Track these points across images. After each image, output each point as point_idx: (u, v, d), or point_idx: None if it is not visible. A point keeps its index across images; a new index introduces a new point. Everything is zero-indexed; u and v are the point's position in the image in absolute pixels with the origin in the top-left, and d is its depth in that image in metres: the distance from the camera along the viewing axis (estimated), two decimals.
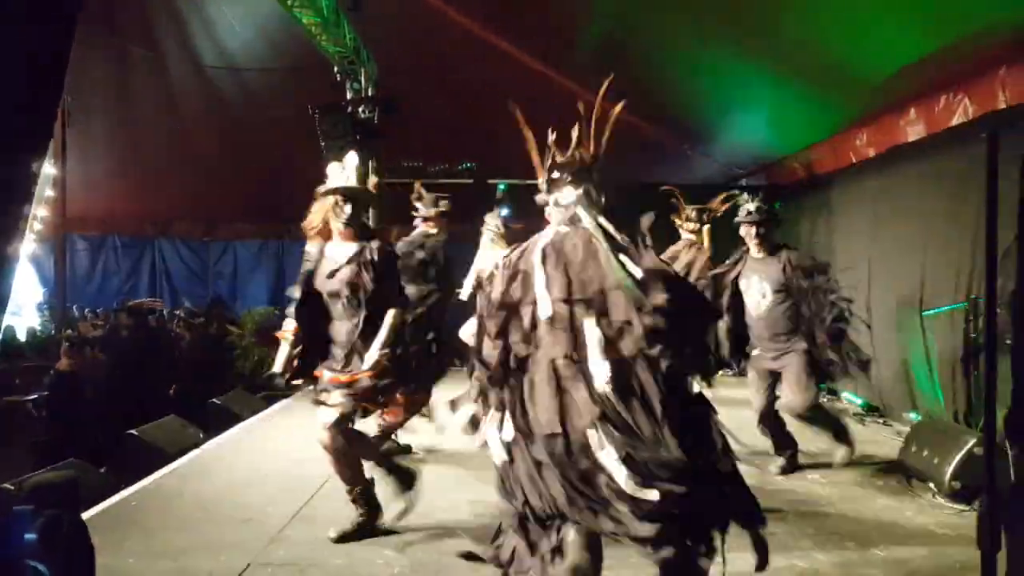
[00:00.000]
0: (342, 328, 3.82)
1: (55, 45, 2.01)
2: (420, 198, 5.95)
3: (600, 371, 2.35)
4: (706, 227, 7.06)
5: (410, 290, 4.78)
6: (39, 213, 13.60)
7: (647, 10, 7.72)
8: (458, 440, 5.54)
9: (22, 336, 11.90)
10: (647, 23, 7.93)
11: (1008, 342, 2.55)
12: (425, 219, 5.85)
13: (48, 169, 11.21)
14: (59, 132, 10.39)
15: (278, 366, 4.03)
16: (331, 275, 3.84)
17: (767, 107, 8.80)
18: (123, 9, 11.30)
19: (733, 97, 8.93)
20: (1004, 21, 4.95)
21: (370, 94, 10.38)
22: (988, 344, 1.86)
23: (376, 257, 3.85)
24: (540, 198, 2.71)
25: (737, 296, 5.17)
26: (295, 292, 3.89)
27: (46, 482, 2.36)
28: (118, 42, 11.60)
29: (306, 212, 4.10)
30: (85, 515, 3.99)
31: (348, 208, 3.88)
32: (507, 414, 2.49)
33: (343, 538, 3.80)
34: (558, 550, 2.45)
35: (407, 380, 4.04)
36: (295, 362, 3.91)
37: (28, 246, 14.76)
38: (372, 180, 4.85)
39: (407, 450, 5.49)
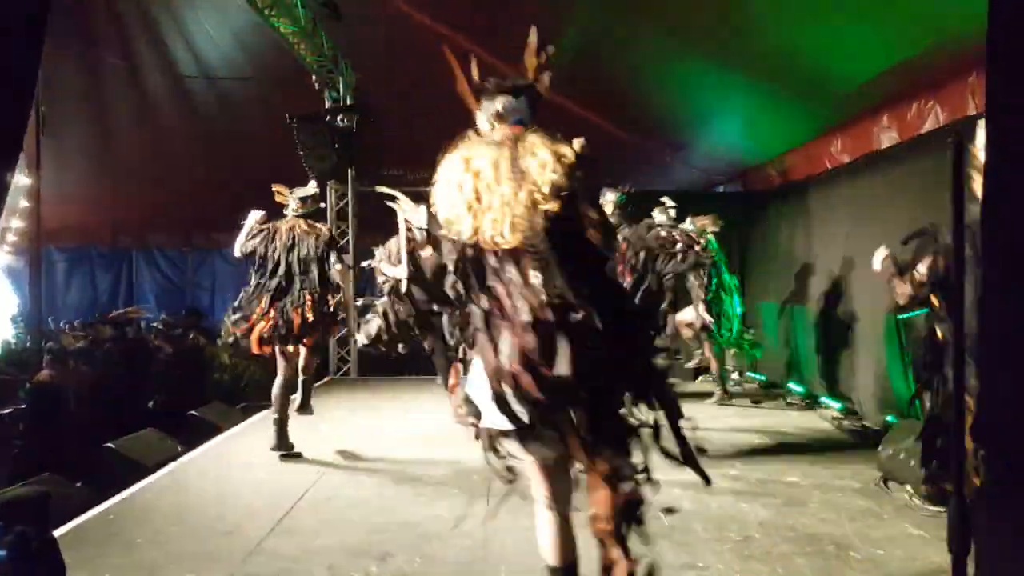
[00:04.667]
0: None
1: (23, 55, 2.00)
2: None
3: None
4: None
5: None
6: (13, 224, 13.44)
7: (624, 19, 7.78)
8: (439, 451, 5.56)
9: None
10: (624, 32, 7.98)
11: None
12: None
13: (23, 180, 11.09)
14: (34, 142, 10.28)
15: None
16: None
17: (743, 115, 8.89)
18: (97, 19, 11.22)
19: (710, 105, 9.01)
20: (973, 29, 5.03)
21: (348, 103, 10.38)
22: (955, 348, 1.89)
23: None
24: (480, 118, 2.69)
25: None
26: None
27: (15, 498, 2.34)
28: (93, 52, 11.51)
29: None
30: (61, 529, 3.95)
31: None
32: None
33: None
34: None
35: None
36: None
37: (2, 258, 14.59)
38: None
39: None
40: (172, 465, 5.65)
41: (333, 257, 5.91)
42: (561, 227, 2.41)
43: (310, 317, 5.64)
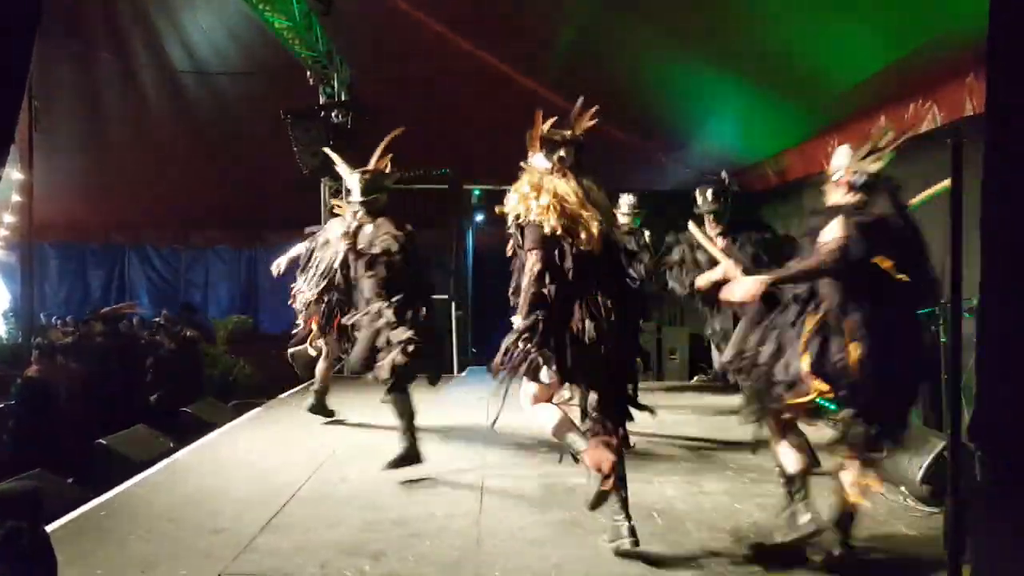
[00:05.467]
0: None
1: (14, 51, 1.98)
2: None
3: None
4: None
5: None
6: (5, 219, 13.36)
7: (619, 18, 7.77)
8: (432, 450, 5.53)
9: None
10: (620, 31, 7.97)
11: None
12: None
13: (15, 175, 11.03)
14: (27, 138, 10.22)
15: None
16: None
17: (739, 114, 8.89)
18: (91, 14, 11.17)
19: (706, 105, 9.01)
20: (970, 28, 5.03)
21: (343, 99, 10.34)
22: (952, 349, 1.88)
23: None
24: (540, 158, 3.69)
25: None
26: None
27: (6, 493, 2.32)
28: (86, 47, 11.46)
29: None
30: (52, 525, 3.92)
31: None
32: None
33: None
34: None
35: None
36: None
37: None
38: None
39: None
40: (165, 462, 5.62)
41: None
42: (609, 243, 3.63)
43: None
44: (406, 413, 5.08)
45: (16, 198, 12.33)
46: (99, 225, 15.16)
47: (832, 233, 3.39)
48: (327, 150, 6.26)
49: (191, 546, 3.85)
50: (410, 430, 5.05)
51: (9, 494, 2.28)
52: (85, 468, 5.92)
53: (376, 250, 5.14)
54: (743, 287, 3.57)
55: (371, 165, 5.55)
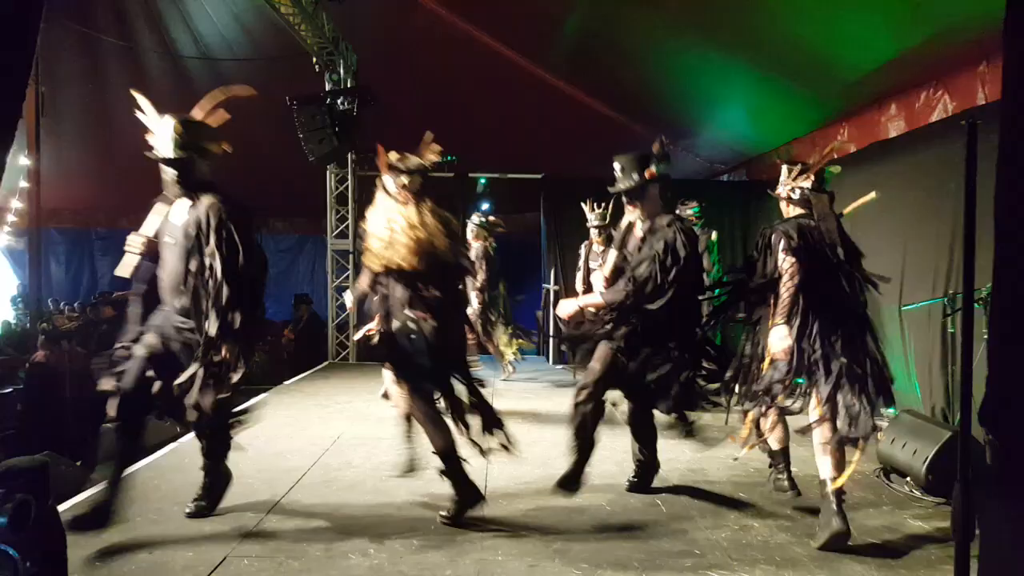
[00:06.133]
0: None
1: (19, 37, 1.97)
2: None
3: None
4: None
5: None
6: (13, 205, 13.38)
7: (626, 6, 7.72)
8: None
9: None
10: (626, 18, 7.92)
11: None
12: None
13: (22, 160, 11.04)
14: (34, 123, 10.23)
15: None
16: None
17: (748, 103, 8.83)
18: None
19: (714, 93, 8.95)
20: (983, 17, 4.99)
21: (349, 85, 10.31)
22: (965, 338, 1.86)
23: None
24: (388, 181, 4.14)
25: None
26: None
27: (15, 466, 2.33)
28: (91, 32, 11.43)
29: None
30: (61, 508, 3.94)
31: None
32: None
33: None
34: None
35: None
36: None
37: (2, 239, 14.54)
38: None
39: None
40: (172, 445, 5.63)
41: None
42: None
43: None
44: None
45: (23, 184, 12.35)
46: (106, 210, 15.16)
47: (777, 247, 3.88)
48: (135, 92, 4.38)
49: (198, 529, 3.86)
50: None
51: (18, 468, 2.29)
52: (91, 451, 5.93)
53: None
54: (564, 307, 4.45)
55: (196, 113, 4.28)
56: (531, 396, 7.89)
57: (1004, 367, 1.63)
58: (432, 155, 4.24)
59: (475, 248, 8.35)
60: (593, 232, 7.80)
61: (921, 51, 5.73)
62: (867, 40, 6.13)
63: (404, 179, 4.11)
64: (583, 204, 7.82)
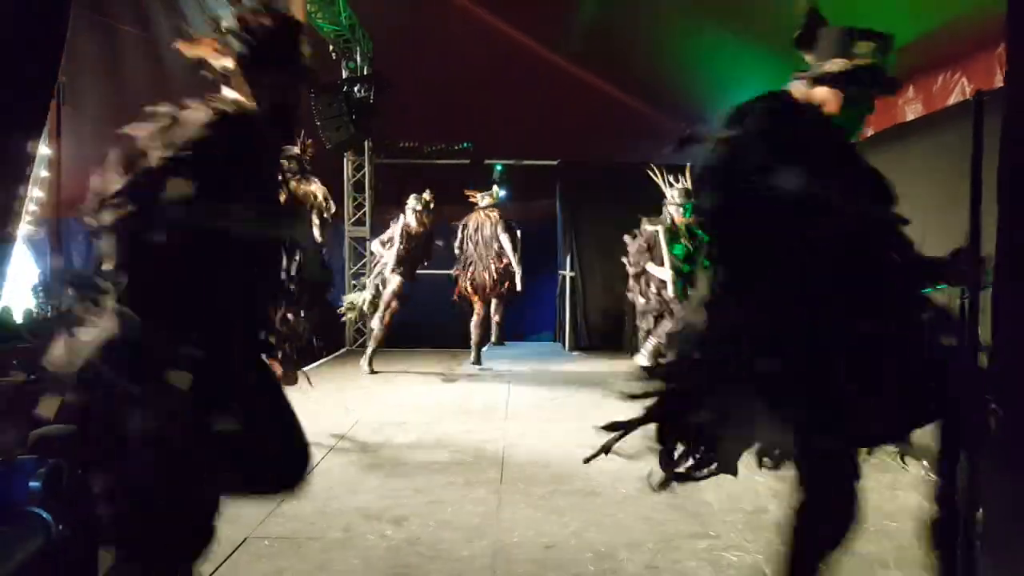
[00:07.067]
0: None
1: (50, 23, 2.01)
2: None
3: None
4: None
5: None
6: (35, 194, 13.52)
7: None
8: (453, 420, 5.59)
9: (19, 318, 11.88)
10: (641, 3, 7.89)
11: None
12: None
13: (43, 150, 11.15)
14: (53, 112, 10.32)
15: None
16: None
17: (765, 86, 8.76)
18: None
19: (731, 77, 8.89)
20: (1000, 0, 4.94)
21: (366, 73, 10.34)
22: (971, 311, 1.88)
23: None
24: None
25: None
26: None
27: (48, 433, 2.41)
28: (109, 23, 11.51)
29: None
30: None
31: None
32: None
33: None
34: None
35: None
36: None
37: (25, 228, 14.70)
38: None
39: None
40: None
41: (504, 235, 8.55)
42: None
43: (495, 276, 8.47)
44: None
45: (44, 173, 12.48)
46: None
47: None
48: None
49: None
50: None
51: (50, 435, 2.37)
52: None
53: None
54: None
55: None
56: (547, 381, 7.93)
57: (1009, 334, 1.64)
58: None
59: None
60: (674, 211, 6.95)
61: (939, 34, 5.68)
62: (886, 23, 6.06)
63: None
64: (652, 173, 6.95)
